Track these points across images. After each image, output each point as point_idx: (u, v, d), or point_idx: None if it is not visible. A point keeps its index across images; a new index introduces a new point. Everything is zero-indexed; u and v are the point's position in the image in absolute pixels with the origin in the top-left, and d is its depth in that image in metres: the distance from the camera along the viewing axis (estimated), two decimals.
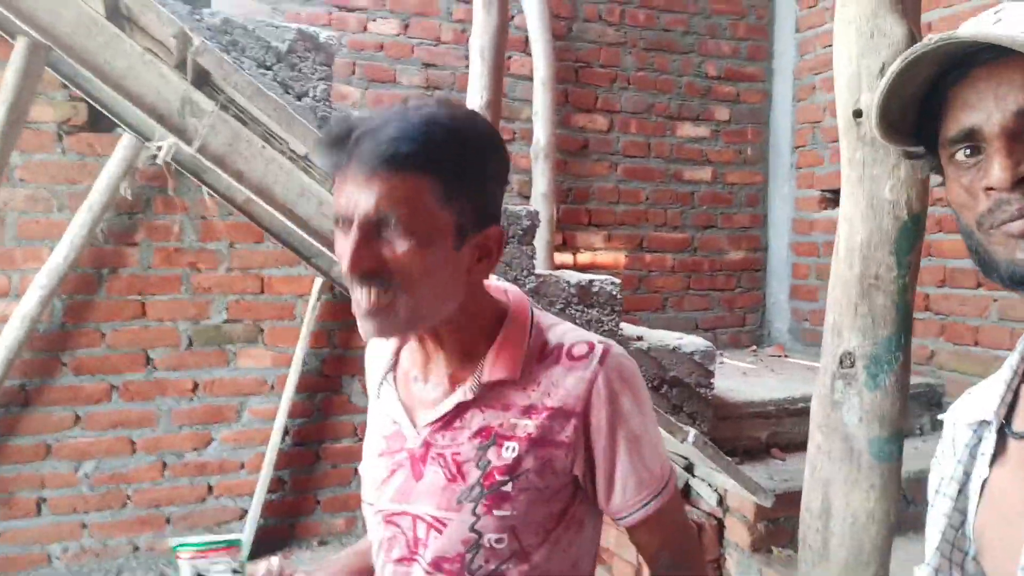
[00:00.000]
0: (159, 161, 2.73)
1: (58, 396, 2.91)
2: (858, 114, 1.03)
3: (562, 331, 0.95)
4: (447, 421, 0.93)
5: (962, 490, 0.73)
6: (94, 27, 1.76)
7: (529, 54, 3.46)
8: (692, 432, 2.27)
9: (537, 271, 2.39)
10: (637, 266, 3.80)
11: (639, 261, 3.80)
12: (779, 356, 3.74)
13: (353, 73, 3.31)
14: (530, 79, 3.45)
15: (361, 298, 0.85)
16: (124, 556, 3.01)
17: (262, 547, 3.09)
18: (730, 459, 2.35)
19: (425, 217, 0.83)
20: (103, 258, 2.93)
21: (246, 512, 3.12)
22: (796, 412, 2.77)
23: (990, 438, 0.71)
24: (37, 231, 2.86)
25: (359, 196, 0.83)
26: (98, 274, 2.93)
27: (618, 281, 2.48)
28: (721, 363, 3.56)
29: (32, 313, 2.75)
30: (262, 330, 3.13)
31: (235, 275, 3.09)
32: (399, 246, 0.83)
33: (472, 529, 0.90)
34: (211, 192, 2.89)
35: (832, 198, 3.67)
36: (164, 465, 3.05)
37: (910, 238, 1.02)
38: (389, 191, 0.82)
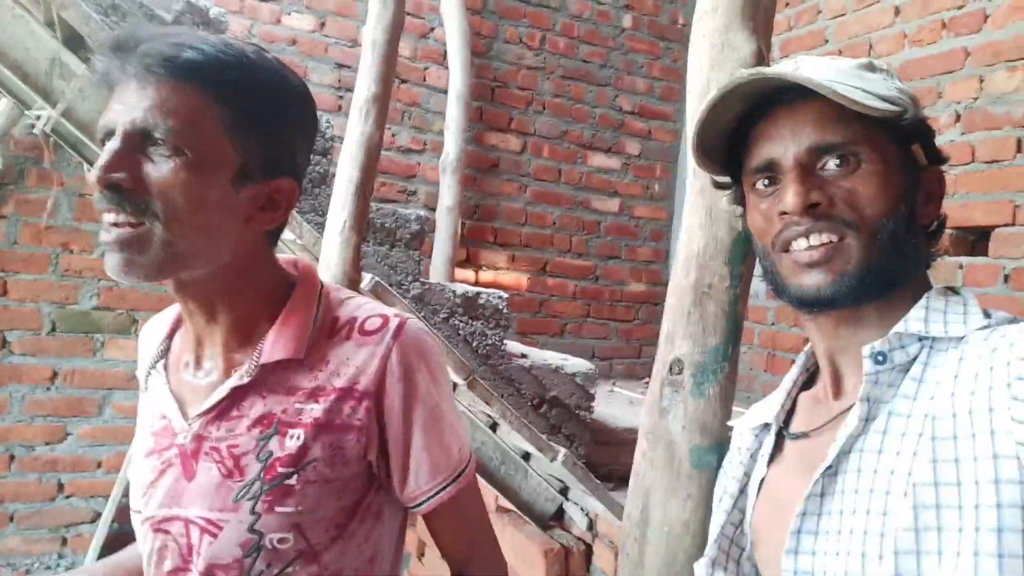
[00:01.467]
0: (36, 131, 2.58)
1: None
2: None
3: (355, 304, 0.88)
4: (222, 410, 0.82)
5: (743, 490, 0.78)
6: None
7: (446, 67, 3.46)
8: (562, 452, 2.25)
9: (423, 279, 2.35)
10: (539, 289, 3.80)
11: (541, 284, 3.81)
12: None
13: None
14: (445, 92, 3.44)
15: (107, 221, 0.74)
16: None
17: (111, 553, 2.89)
18: (600, 483, 2.34)
19: (201, 138, 0.74)
20: None
21: (99, 515, 2.92)
22: None
23: (769, 440, 0.78)
24: None
25: (129, 102, 0.73)
26: None
27: (505, 295, 2.46)
28: (612, 391, 3.58)
29: None
30: (135, 321, 2.97)
31: None
32: (164, 165, 0.73)
33: (251, 529, 0.79)
34: (91, 168, 2.74)
35: None
36: (12, 458, 2.83)
37: (743, 248, 1.03)
38: (163, 98, 0.73)
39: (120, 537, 2.91)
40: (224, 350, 0.85)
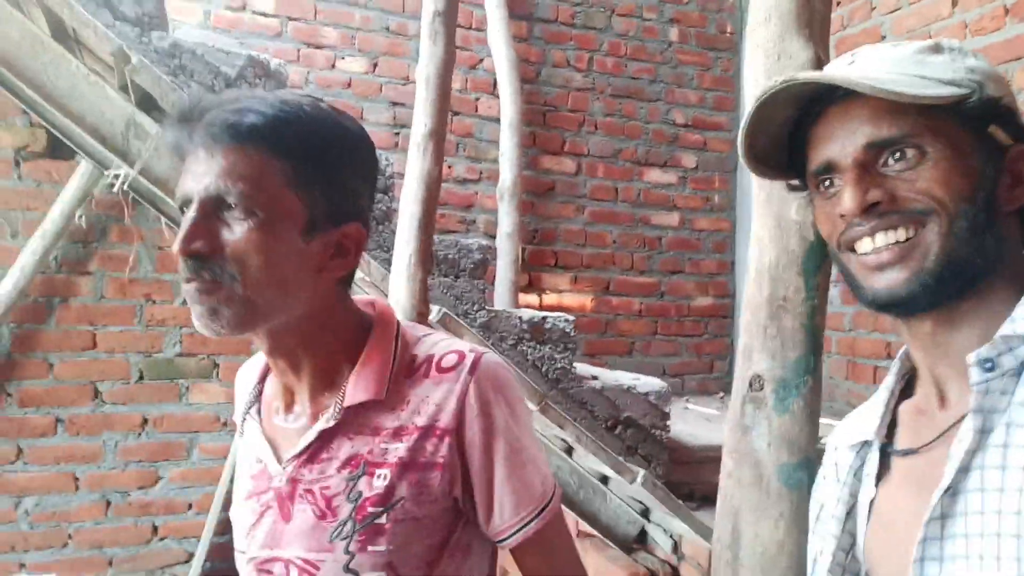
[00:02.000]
0: (116, 190, 2.72)
1: (1, 428, 2.82)
2: None
3: (432, 342, 0.89)
4: (312, 453, 0.85)
5: (850, 512, 0.73)
6: (38, 45, 1.77)
7: (497, 96, 3.50)
8: (642, 473, 2.22)
9: (488, 307, 2.37)
10: (604, 309, 3.78)
11: (606, 304, 3.79)
12: None
13: None
14: (497, 121, 3.49)
15: (191, 284, 0.77)
16: None
17: None
18: (682, 503, 2.29)
19: (269, 197, 0.77)
20: (55, 287, 2.89)
21: (192, 555, 3.02)
22: None
23: (873, 458, 0.72)
24: None
25: (200, 171, 0.77)
26: (49, 303, 2.88)
27: (571, 318, 2.46)
28: (686, 408, 3.52)
29: None
30: (217, 365, 3.08)
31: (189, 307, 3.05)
32: (238, 227, 0.76)
33: (347, 569, 0.82)
34: (169, 223, 2.87)
35: None
36: (108, 504, 2.95)
37: (816, 259, 1.01)
38: (231, 164, 0.76)
39: (214, 574, 3.00)
40: (311, 395, 0.88)
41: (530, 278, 3.62)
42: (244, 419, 0.93)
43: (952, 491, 0.60)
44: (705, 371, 3.99)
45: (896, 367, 0.75)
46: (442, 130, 1.78)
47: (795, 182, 0.79)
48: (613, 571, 2.41)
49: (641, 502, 2.51)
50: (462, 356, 0.86)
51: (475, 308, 2.29)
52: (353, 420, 0.85)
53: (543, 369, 2.37)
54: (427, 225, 1.89)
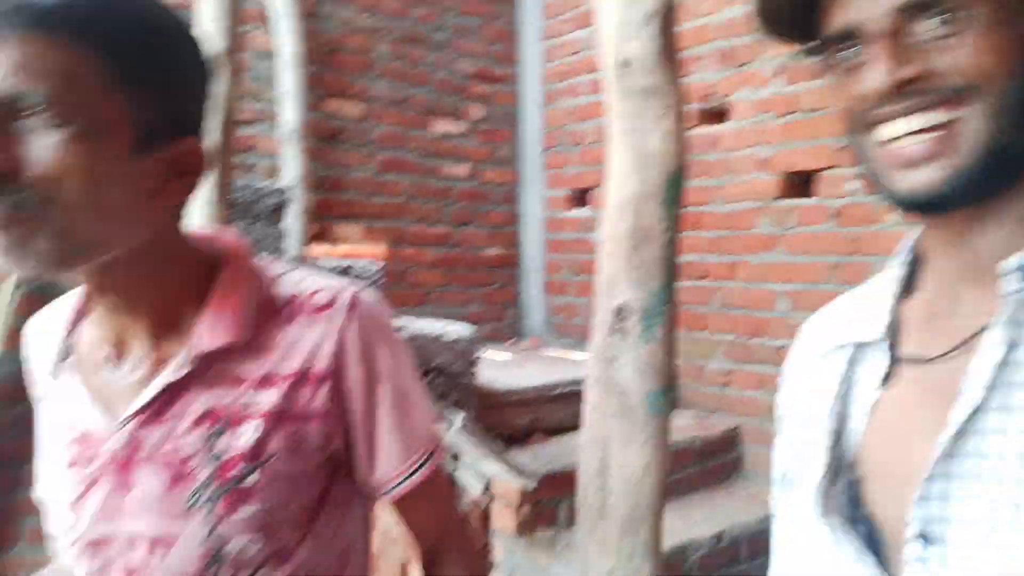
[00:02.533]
0: None
1: None
2: (625, 64, 1.02)
3: (297, 279, 0.78)
4: (157, 410, 0.72)
5: (843, 415, 0.64)
6: None
7: (270, 30, 3.21)
8: (461, 416, 2.21)
9: (288, 255, 2.19)
10: (397, 260, 3.70)
11: (399, 255, 3.70)
12: (535, 349, 3.85)
13: None
14: (271, 56, 3.21)
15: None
16: None
17: None
18: (495, 445, 2.33)
19: (86, 101, 0.61)
20: None
21: None
22: (555, 398, 2.84)
23: (880, 360, 0.63)
24: None
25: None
26: None
27: (378, 264, 2.36)
28: (481, 356, 3.58)
29: None
30: None
31: None
32: (45, 137, 0.60)
33: (209, 539, 0.71)
34: None
35: (580, 197, 3.88)
36: None
37: (675, 189, 1.03)
38: (32, 58, 0.60)
39: None
40: (150, 342, 0.73)
41: (320, 228, 3.42)
42: (54, 374, 0.76)
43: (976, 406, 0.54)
44: (496, 319, 4.08)
45: (902, 258, 0.66)
46: (236, 50, 1.57)
47: (814, 44, 0.63)
48: None
49: (451, 449, 2.51)
50: (336, 294, 0.76)
51: (274, 254, 2.10)
52: (207, 369, 0.72)
53: None
54: (225, 164, 1.67)
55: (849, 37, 0.57)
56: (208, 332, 0.72)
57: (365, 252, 3.56)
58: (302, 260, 2.11)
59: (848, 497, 0.61)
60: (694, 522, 2.51)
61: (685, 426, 2.93)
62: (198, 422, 0.71)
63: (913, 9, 0.54)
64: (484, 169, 4.03)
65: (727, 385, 3.12)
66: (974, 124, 0.53)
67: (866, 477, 0.61)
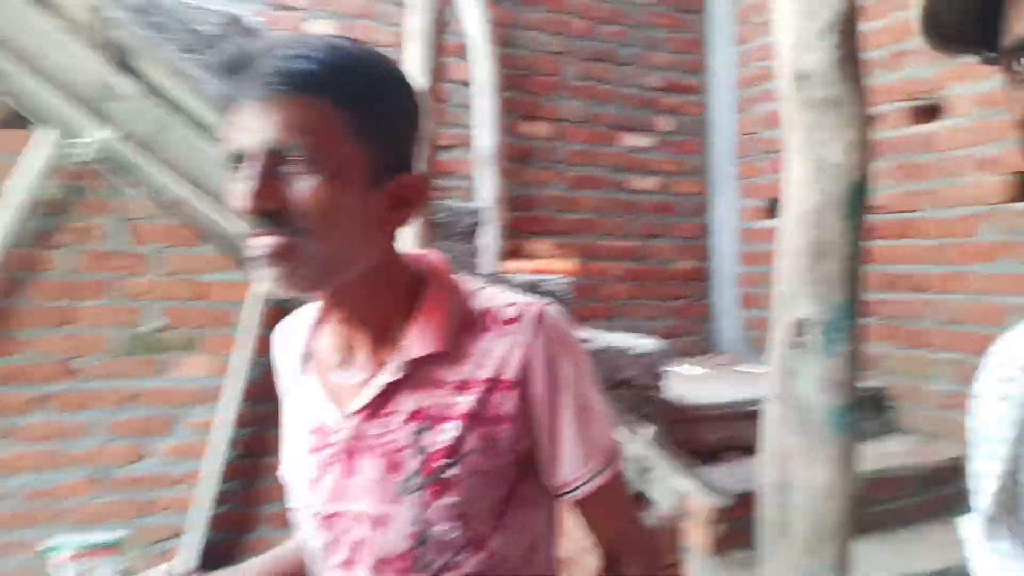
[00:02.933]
0: (86, 158, 2.59)
1: None
2: (803, 76, 1.01)
3: (489, 295, 0.88)
4: (375, 407, 0.83)
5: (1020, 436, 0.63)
6: (4, 4, 1.66)
7: (467, 60, 3.44)
8: (651, 429, 2.23)
9: (483, 271, 2.34)
10: (587, 274, 3.78)
11: (589, 269, 3.78)
12: (729, 364, 3.75)
13: None
14: (468, 85, 3.43)
15: (260, 243, 0.74)
16: None
17: (210, 561, 2.93)
18: (687, 460, 2.32)
19: (333, 150, 0.74)
20: (26, 262, 2.76)
21: (188, 527, 2.95)
22: (749, 415, 2.75)
23: None
24: None
25: (256, 124, 0.73)
26: (20, 277, 2.76)
27: (566, 280, 2.44)
28: (674, 370, 3.56)
29: None
30: (199, 338, 2.99)
31: (169, 280, 2.94)
32: (304, 182, 0.73)
33: (417, 521, 0.81)
34: (140, 192, 2.76)
35: (774, 207, 3.73)
36: (97, 480, 2.86)
37: (859, 200, 1.00)
38: (291, 117, 0.72)
39: (215, 546, 2.94)
40: (370, 348, 0.86)
41: (513, 245, 3.59)
42: (299, 376, 0.91)
43: None
44: (688, 333, 4.02)
45: None
46: (438, 81, 1.72)
47: (992, 55, 0.61)
48: None
49: (639, 461, 2.53)
50: (524, 309, 0.85)
51: (470, 271, 2.26)
52: (415, 373, 0.83)
53: None
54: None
55: None
56: (417, 341, 0.82)
57: (556, 267, 3.69)
58: (497, 276, 2.24)
59: None
60: (912, 557, 2.32)
61: (902, 452, 2.71)
62: (408, 419, 0.82)
63: None
64: (673, 181, 4.00)
65: (951, 408, 2.84)
66: None
67: None
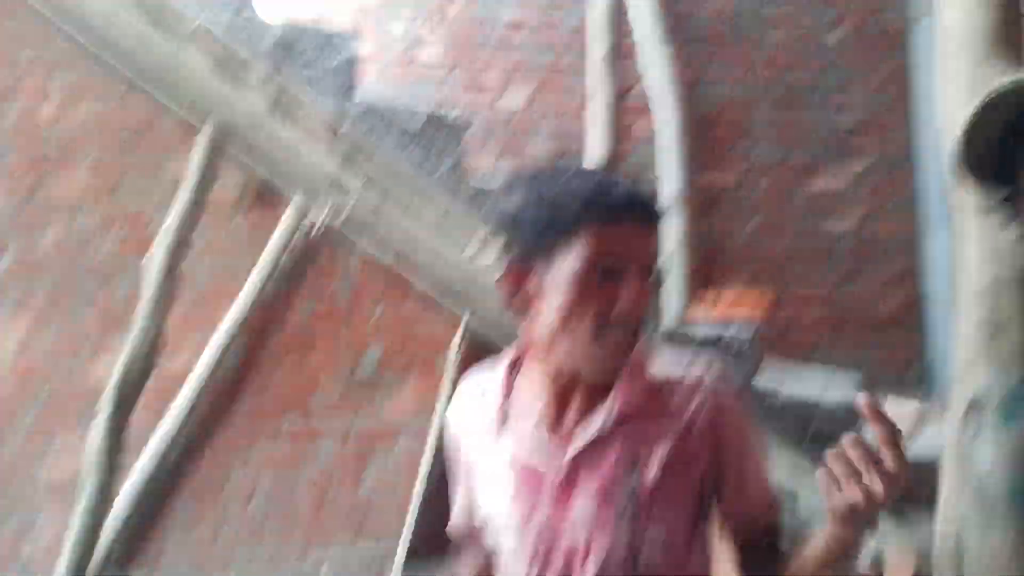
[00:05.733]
0: (314, 233, 3.03)
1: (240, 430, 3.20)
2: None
3: (673, 360, 1.05)
4: (589, 453, 0.99)
5: None
6: (258, 119, 2.04)
7: (649, 117, 3.54)
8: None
9: (664, 326, 2.41)
10: (776, 320, 3.70)
11: (778, 315, 3.70)
12: (938, 411, 3.47)
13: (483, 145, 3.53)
14: (651, 142, 3.53)
15: (623, 342, 0.94)
16: None
17: None
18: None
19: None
20: (270, 317, 3.26)
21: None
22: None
23: None
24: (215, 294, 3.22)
25: (637, 244, 0.93)
26: (266, 331, 3.25)
27: (752, 326, 2.45)
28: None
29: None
30: (407, 382, 3.32)
31: (384, 329, 3.31)
32: (644, 292, 0.93)
33: (629, 546, 0.96)
34: (361, 258, 3.15)
35: None
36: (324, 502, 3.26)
37: None
38: (656, 243, 0.95)
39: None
40: (583, 404, 1.01)
41: (698, 295, 3.60)
42: (500, 431, 1.05)
43: None
44: (897, 373, 3.77)
45: None
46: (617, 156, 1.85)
47: (1006, 193, 0.74)
48: None
49: None
50: (705, 373, 1.02)
51: (651, 327, 2.34)
52: (621, 426, 0.99)
53: None
54: None
55: None
56: (622, 400, 0.99)
57: (741, 313, 3.65)
58: (681, 329, 2.31)
59: None
60: None
61: None
62: (617, 463, 0.98)
63: None
64: (871, 222, 3.81)
65: None
66: None
67: None
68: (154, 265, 2.37)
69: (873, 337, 3.76)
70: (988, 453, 1.00)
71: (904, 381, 3.75)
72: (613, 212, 0.91)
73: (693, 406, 0.98)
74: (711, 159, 3.70)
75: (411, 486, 3.25)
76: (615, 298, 0.92)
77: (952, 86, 1.07)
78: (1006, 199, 0.74)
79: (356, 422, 3.27)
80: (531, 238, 0.95)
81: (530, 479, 1.01)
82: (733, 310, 3.66)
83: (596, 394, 1.00)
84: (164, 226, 2.37)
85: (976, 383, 1.03)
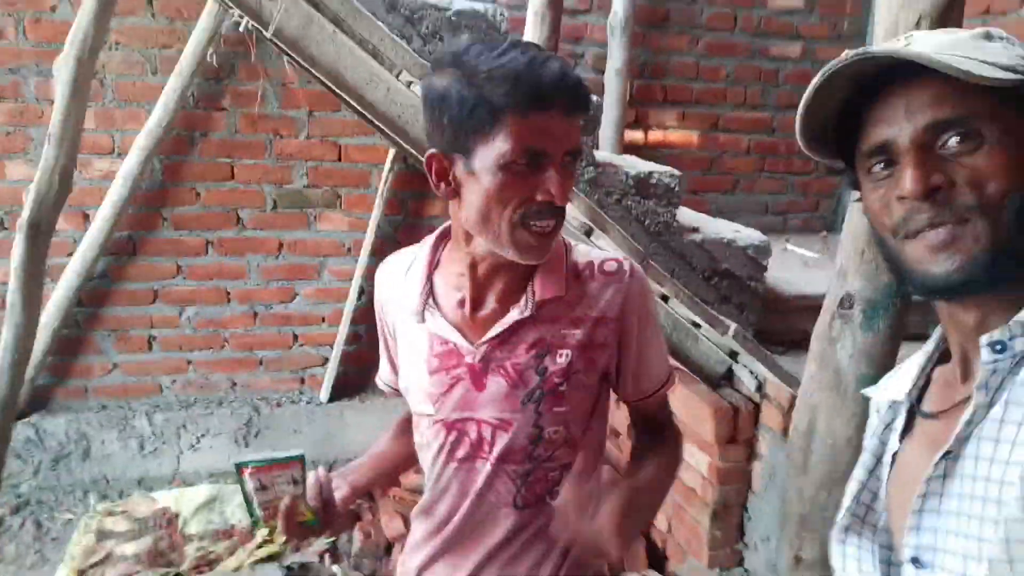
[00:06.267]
0: (242, 28, 2.83)
1: (161, 248, 3.23)
2: None
3: (586, 250, 1.12)
4: (504, 337, 1.05)
5: (880, 460, 0.81)
6: None
7: None
8: (733, 326, 2.38)
9: (598, 158, 2.44)
10: (710, 146, 3.75)
11: (713, 141, 3.74)
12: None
13: None
14: None
15: (547, 227, 0.97)
16: (224, 390, 3.45)
17: (341, 392, 3.47)
18: (768, 353, 2.45)
19: None
20: (195, 122, 3.13)
21: (327, 360, 3.48)
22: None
23: (901, 416, 0.80)
24: (134, 93, 3.06)
25: (563, 133, 0.94)
26: (191, 137, 3.15)
27: (678, 173, 2.51)
28: (785, 248, 3.57)
29: (134, 172, 3.02)
30: (339, 196, 3.33)
31: (314, 142, 3.25)
32: (570, 178, 0.97)
33: (535, 425, 1.06)
34: (291, 60, 2.99)
35: None
36: (255, 314, 3.40)
37: None
38: (578, 128, 0.96)
39: (344, 378, 3.47)
40: (501, 290, 1.08)
41: (637, 114, 3.59)
42: (423, 310, 1.10)
43: (953, 455, 0.67)
44: (810, 210, 3.96)
45: (937, 334, 0.80)
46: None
47: (836, 163, 0.78)
48: (700, 404, 2.64)
49: (730, 349, 2.69)
50: (620, 263, 1.10)
51: (583, 164, 2.37)
52: (539, 312, 1.06)
53: (645, 223, 2.48)
54: None
55: (883, 151, 0.69)
56: (540, 288, 1.06)
57: (677, 139, 3.68)
58: (601, 164, 2.35)
59: (879, 527, 0.79)
60: None
61: None
62: (531, 347, 1.05)
63: (938, 128, 0.67)
64: (820, 47, 3.76)
65: None
66: (981, 228, 0.66)
67: (889, 515, 0.78)
68: (67, 63, 2.20)
69: (795, 167, 3.87)
70: (848, 347, 1.13)
71: (816, 215, 3.94)
72: (539, 100, 0.91)
73: (607, 295, 1.06)
74: None
75: (339, 316, 3.38)
76: (540, 184, 0.94)
77: None
78: (838, 171, 0.79)
79: (287, 236, 3.30)
80: (457, 123, 0.95)
81: (449, 356, 1.09)
82: (667, 134, 3.69)
83: (517, 278, 1.06)
84: (75, 21, 2.18)
85: (849, 283, 1.14)
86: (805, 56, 3.75)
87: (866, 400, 0.92)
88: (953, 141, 0.66)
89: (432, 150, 1.00)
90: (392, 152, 3.24)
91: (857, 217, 1.11)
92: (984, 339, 0.66)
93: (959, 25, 1.04)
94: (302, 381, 3.53)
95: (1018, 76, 0.64)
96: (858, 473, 0.82)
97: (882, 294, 1.10)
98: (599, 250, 1.12)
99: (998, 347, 0.65)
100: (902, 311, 1.10)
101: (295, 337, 3.47)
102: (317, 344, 3.49)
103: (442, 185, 1.01)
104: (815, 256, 3.48)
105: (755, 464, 2.58)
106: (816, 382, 1.19)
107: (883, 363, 1.11)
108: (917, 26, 1.00)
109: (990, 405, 0.66)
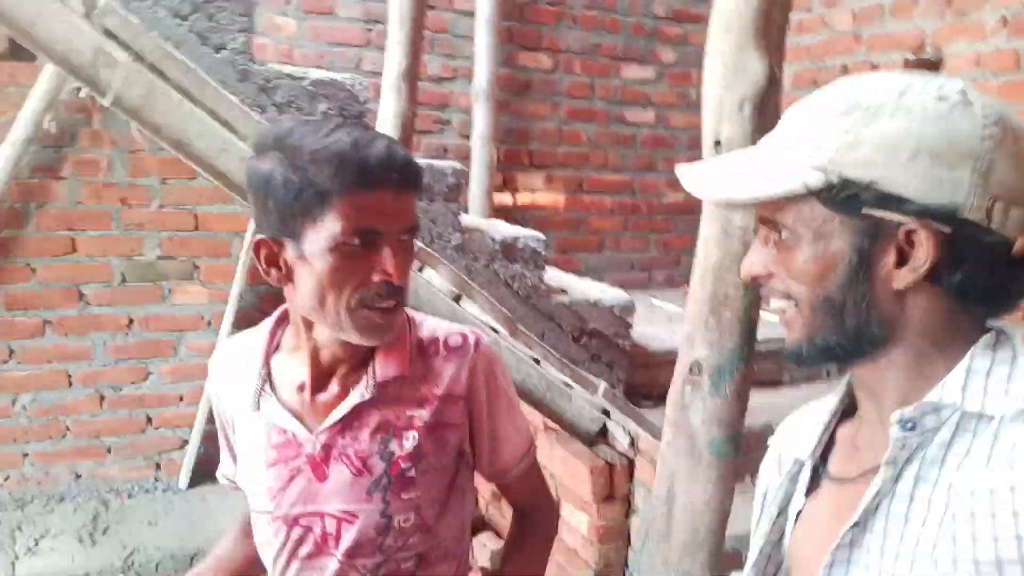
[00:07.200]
0: (82, 95, 2.67)
1: None
2: (718, 144, 1.09)
3: (433, 325, 1.08)
4: (346, 422, 0.99)
5: (782, 512, 0.80)
6: None
7: None
8: (603, 385, 2.42)
9: (464, 224, 2.45)
10: (577, 207, 3.87)
11: (578, 202, 3.87)
12: None
13: (288, 3, 3.22)
14: (472, 15, 3.40)
15: (391, 306, 0.93)
16: (66, 484, 3.12)
17: (203, 476, 3.23)
18: (637, 409, 2.51)
19: None
20: (30, 192, 2.90)
21: (185, 442, 3.23)
22: None
23: (805, 476, 0.79)
24: None
25: (394, 212, 0.92)
26: (25, 208, 2.90)
27: (543, 237, 2.56)
28: (651, 304, 3.71)
29: None
30: (197, 267, 3.16)
31: (168, 211, 3.08)
32: (408, 255, 0.95)
33: (383, 515, 1.00)
34: (140, 127, 2.85)
35: None
36: (102, 398, 3.12)
37: None
38: (413, 205, 0.95)
39: (206, 461, 3.23)
40: (342, 373, 1.02)
41: (504, 178, 3.66)
42: (259, 397, 1.03)
43: (860, 527, 0.67)
44: (673, 264, 4.14)
45: (842, 389, 0.78)
46: (416, 69, 1.79)
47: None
48: (576, 464, 2.65)
49: (601, 406, 2.73)
50: (464, 337, 1.06)
51: (449, 231, 2.37)
52: (381, 393, 1.00)
53: (514, 287, 2.50)
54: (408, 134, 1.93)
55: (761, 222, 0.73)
56: (382, 368, 1.00)
57: (545, 201, 3.78)
58: (468, 230, 2.36)
59: None
60: None
61: None
62: (375, 431, 1.00)
63: (762, 222, 0.72)
64: (671, 114, 4.00)
65: None
66: (795, 318, 0.70)
67: (792, 568, 0.78)
68: None
69: (656, 226, 4.06)
70: (699, 412, 1.15)
71: (678, 270, 4.14)
72: (366, 180, 0.88)
73: (453, 371, 1.02)
74: (527, 41, 3.64)
75: (198, 394, 3.16)
76: (376, 264, 0.91)
77: (719, 61, 1.13)
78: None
79: (139, 311, 3.08)
80: (284, 207, 0.90)
81: (287, 447, 1.02)
82: (535, 197, 3.78)
83: (358, 360, 1.01)
84: None
85: (696, 350, 1.17)
86: (659, 122, 3.98)
87: (723, 461, 0.94)
88: (773, 238, 0.71)
89: (260, 235, 0.95)
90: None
91: (698, 286, 1.15)
92: (895, 416, 0.66)
93: (777, 106, 1.13)
94: (157, 467, 3.26)
95: (825, 179, 0.64)
96: (763, 526, 0.80)
97: (728, 359, 1.14)
98: (448, 324, 1.09)
99: (908, 425, 0.65)
100: (746, 373, 1.15)
101: (148, 419, 3.21)
102: (174, 426, 3.25)
103: (272, 272, 0.96)
104: (679, 310, 3.63)
105: (632, 520, 2.60)
106: (672, 448, 1.21)
107: (734, 426, 1.14)
108: (740, 109, 1.07)
109: (896, 479, 0.66)
